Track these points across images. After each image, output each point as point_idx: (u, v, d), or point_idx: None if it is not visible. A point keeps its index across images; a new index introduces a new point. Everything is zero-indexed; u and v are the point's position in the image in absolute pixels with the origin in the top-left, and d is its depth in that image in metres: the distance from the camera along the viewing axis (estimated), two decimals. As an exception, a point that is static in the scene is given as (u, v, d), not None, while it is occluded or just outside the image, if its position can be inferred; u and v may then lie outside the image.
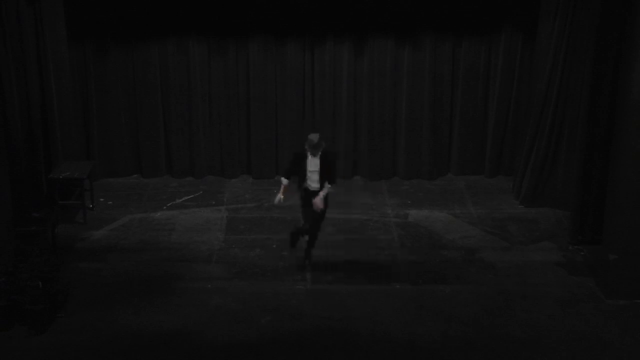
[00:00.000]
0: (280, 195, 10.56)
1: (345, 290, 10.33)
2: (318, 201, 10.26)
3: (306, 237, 10.69)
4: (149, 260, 11.04)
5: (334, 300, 10.11)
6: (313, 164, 10.31)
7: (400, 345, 9.25)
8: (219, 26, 13.03)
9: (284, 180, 10.52)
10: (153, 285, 10.41)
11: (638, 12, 9.46)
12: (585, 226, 11.42)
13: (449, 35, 13.12)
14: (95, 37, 12.91)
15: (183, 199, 12.97)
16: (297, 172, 10.43)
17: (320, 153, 10.30)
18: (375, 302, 10.05)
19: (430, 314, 9.84)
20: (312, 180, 10.36)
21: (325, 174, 10.31)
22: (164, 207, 12.66)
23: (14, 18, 11.24)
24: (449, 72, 13.32)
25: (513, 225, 12.15)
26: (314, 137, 10.31)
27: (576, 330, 9.56)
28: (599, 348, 9.24)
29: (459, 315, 9.79)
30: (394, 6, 12.84)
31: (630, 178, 9.78)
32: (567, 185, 12.08)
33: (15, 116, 11.23)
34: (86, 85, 13.10)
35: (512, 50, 13.14)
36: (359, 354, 9.10)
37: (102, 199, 12.86)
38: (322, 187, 10.32)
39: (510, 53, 13.15)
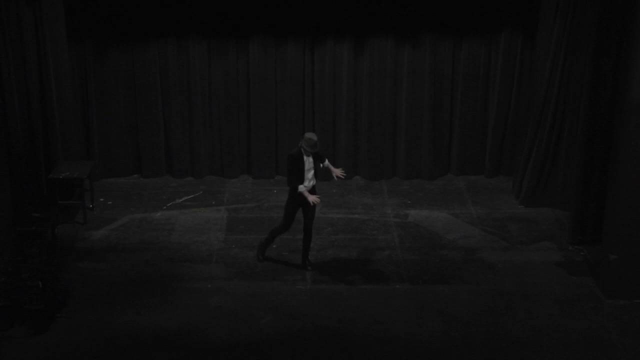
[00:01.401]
0: (315, 197, 10.29)
1: (345, 290, 10.33)
2: (338, 172, 10.45)
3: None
4: (149, 260, 11.04)
5: (334, 300, 10.11)
6: (308, 162, 10.32)
7: (400, 345, 9.25)
8: (219, 26, 13.02)
9: (302, 187, 10.26)
10: (153, 285, 10.41)
11: (638, 12, 9.46)
12: (585, 226, 11.42)
13: (449, 35, 13.11)
14: (95, 37, 12.90)
15: (183, 199, 12.97)
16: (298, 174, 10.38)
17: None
18: (375, 302, 10.05)
19: (430, 314, 9.84)
20: (309, 179, 10.36)
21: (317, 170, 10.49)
22: (164, 207, 12.65)
23: (14, 18, 11.23)
24: (449, 72, 13.31)
25: (513, 225, 12.14)
26: (313, 135, 10.30)
27: (576, 330, 9.56)
28: (599, 348, 9.24)
29: (459, 315, 9.79)
30: (394, 6, 12.84)
31: (630, 178, 9.78)
32: (567, 185, 12.08)
33: (15, 116, 11.23)
34: (86, 85, 13.09)
35: (512, 50, 13.13)
36: (359, 354, 9.10)
37: (102, 199, 12.85)
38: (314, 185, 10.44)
39: (510, 53, 13.15)
